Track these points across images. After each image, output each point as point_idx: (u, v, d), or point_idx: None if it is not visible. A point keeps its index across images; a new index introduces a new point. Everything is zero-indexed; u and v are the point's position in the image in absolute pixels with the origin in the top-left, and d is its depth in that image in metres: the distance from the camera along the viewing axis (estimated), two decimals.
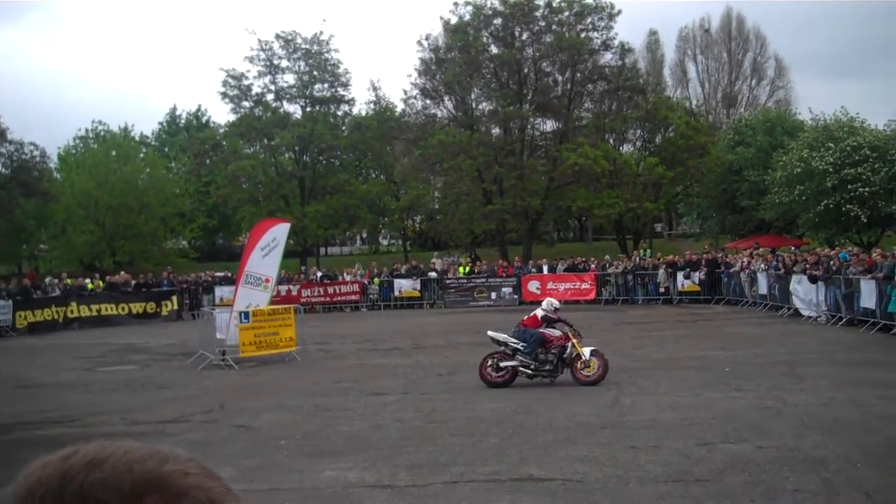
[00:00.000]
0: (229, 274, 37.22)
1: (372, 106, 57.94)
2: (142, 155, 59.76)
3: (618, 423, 11.46)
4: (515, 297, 36.32)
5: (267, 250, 20.75)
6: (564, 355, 15.08)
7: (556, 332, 15.45)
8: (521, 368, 14.96)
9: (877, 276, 22.29)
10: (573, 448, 10.10)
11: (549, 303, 16.69)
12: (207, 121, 75.79)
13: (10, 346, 27.51)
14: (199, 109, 79.41)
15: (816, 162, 38.17)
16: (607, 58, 49.59)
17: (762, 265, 30.69)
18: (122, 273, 38.51)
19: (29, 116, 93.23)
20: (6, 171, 51.78)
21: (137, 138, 66.20)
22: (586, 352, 15.07)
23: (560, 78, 50.21)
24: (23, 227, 55.17)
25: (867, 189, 37.27)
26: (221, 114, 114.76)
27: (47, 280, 35.12)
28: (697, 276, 33.66)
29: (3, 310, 30.79)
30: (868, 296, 22.73)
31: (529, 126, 50.26)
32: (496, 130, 50.95)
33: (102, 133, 60.93)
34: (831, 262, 25.69)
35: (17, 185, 50.40)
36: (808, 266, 26.63)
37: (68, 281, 34.94)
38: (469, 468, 9.37)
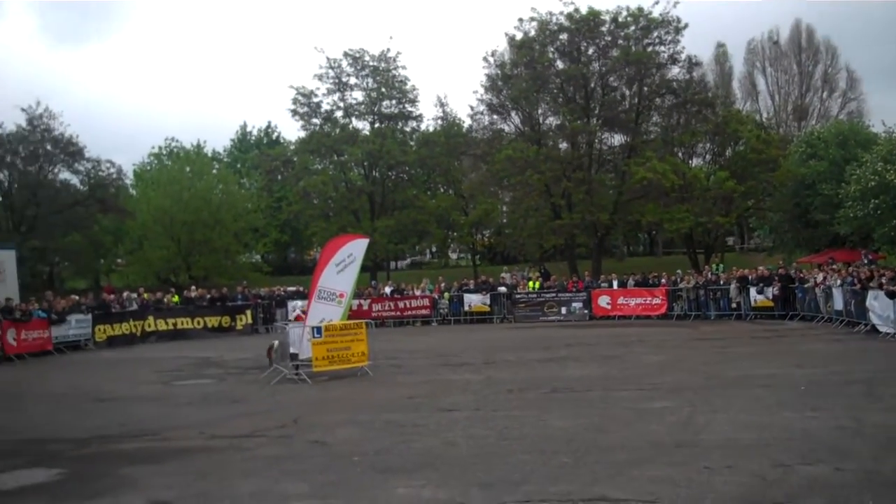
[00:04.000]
0: (301, 288, 37.63)
1: (439, 122, 58.39)
2: (214, 171, 60.88)
3: (692, 442, 11.33)
4: (586, 312, 36.12)
5: (342, 266, 20.90)
6: None
7: None
8: None
9: None
10: (647, 468, 10.00)
11: None
12: (277, 137, 76.99)
13: (89, 359, 28.18)
14: (269, 126, 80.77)
15: (891, 175, 37.39)
16: (675, 71, 49.37)
17: (837, 280, 30.09)
18: (196, 288, 39.28)
19: (105, 134, 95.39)
20: (84, 188, 53.39)
21: (210, 155, 67.44)
22: None
23: (627, 92, 50.06)
24: (100, 242, 56.73)
25: None
26: (291, 130, 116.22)
27: (125, 294, 35.90)
28: (770, 291, 33.11)
29: (83, 324, 31.52)
30: None
31: (597, 140, 50.11)
32: (564, 145, 50.91)
33: (176, 150, 62.25)
34: None
35: (94, 202, 51.96)
36: (884, 281, 26.05)
37: (146, 295, 35.75)
38: (541, 487, 9.33)
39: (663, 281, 36.78)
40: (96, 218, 53.68)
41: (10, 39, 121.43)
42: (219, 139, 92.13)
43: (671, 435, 11.84)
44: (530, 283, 39.66)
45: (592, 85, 49.39)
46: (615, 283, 37.48)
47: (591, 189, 46.67)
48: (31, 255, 49.72)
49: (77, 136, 52.49)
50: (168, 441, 13.04)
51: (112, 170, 54.36)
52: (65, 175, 54.45)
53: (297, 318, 24.32)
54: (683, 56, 48.62)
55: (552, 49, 49.44)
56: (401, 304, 37.82)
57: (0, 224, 52.43)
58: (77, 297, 34.43)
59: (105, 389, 19.75)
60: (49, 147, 51.78)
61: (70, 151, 52.25)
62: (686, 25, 47.38)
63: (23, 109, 51.36)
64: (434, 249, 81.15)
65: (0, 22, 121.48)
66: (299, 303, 26.65)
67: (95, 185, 53.04)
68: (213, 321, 35.00)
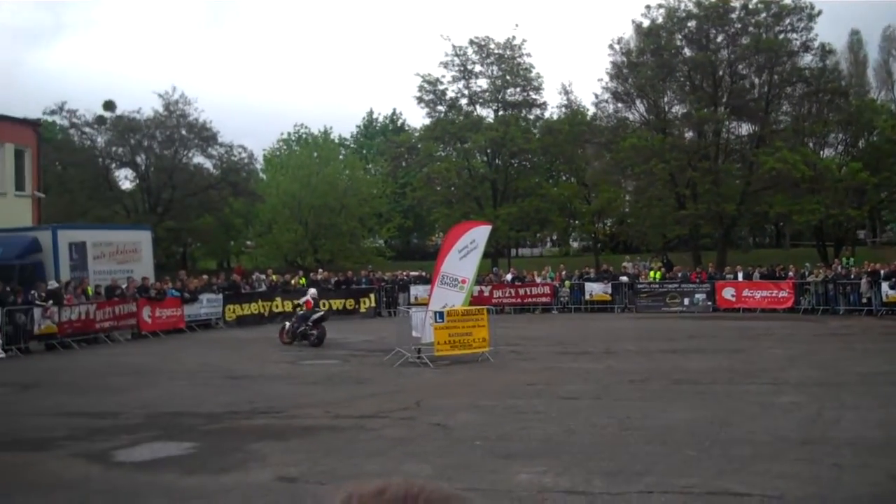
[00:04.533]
0: (424, 273, 38.03)
1: (563, 109, 57.98)
2: (341, 157, 61.92)
3: (820, 438, 11.11)
4: (709, 303, 35.42)
5: (465, 252, 21.05)
6: None
7: None
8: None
9: None
10: (772, 463, 9.86)
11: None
12: (402, 124, 77.69)
13: (219, 337, 29.10)
14: (394, 113, 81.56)
15: None
16: (807, 59, 47.91)
17: None
18: (322, 270, 40.10)
19: (237, 120, 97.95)
20: (217, 172, 55.03)
21: (336, 141, 68.59)
22: None
23: (756, 80, 48.91)
24: (231, 224, 58.54)
25: None
26: (416, 117, 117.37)
27: (255, 276, 36.92)
28: None
29: (215, 303, 32.56)
30: None
31: (724, 129, 49.08)
32: (689, 134, 50.07)
33: (304, 136, 63.56)
34: None
35: (226, 186, 53.58)
36: None
37: (274, 277, 36.69)
38: (664, 479, 9.31)
39: (791, 274, 35.85)
40: (228, 201, 55.34)
41: (150, 23, 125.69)
42: (345, 126, 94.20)
43: (798, 431, 11.64)
44: (651, 273, 39.19)
45: (720, 73, 48.41)
46: (740, 275, 36.67)
47: (718, 179, 45.81)
48: (166, 236, 51.57)
49: (211, 122, 54.22)
50: (295, 419, 13.49)
51: (244, 154, 56.04)
52: (199, 159, 56.37)
53: (307, 305, 25.15)
54: (816, 44, 47.28)
55: (680, 36, 48.67)
56: (521, 292, 37.83)
57: (137, 206, 54.58)
58: (207, 277, 35.61)
59: (235, 367, 20.44)
60: (184, 132, 53.54)
61: (204, 136, 53.92)
62: (819, 12, 46.05)
63: (160, 95, 53.29)
64: (555, 237, 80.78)
65: (138, 8, 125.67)
66: (313, 290, 27.86)
67: (228, 170, 54.67)
68: (337, 303, 35.63)
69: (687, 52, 48.88)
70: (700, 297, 35.75)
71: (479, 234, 21.75)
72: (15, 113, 39.87)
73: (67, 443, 11.96)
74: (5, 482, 9.99)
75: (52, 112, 52.08)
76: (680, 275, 38.29)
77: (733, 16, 46.94)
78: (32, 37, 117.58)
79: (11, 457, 11.27)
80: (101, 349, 25.76)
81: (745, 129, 51.10)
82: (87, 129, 53.90)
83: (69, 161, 53.38)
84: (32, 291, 25.79)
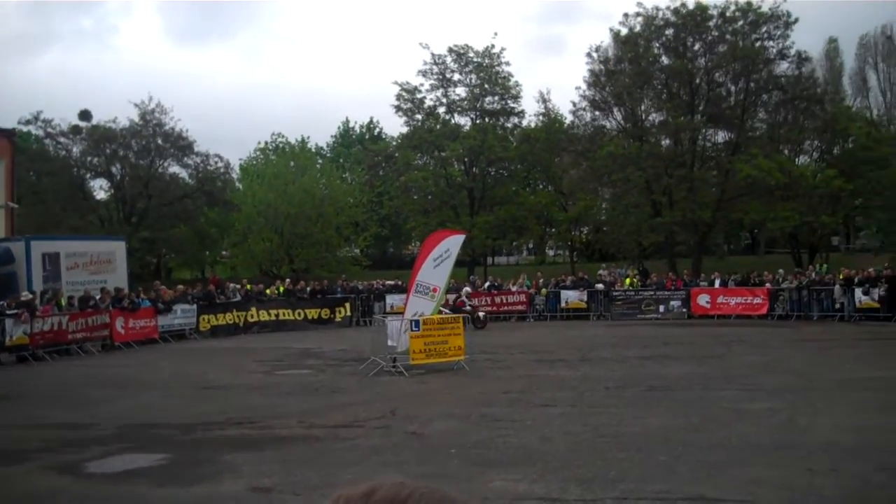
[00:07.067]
0: (400, 282, 37.99)
1: (541, 117, 58.09)
2: (318, 166, 61.80)
3: (793, 444, 11.14)
4: (684, 310, 35.60)
5: (439, 261, 20.99)
6: None
7: None
8: None
9: None
10: (746, 469, 9.88)
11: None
12: (379, 133, 77.71)
13: (193, 348, 28.90)
14: (371, 122, 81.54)
15: None
16: (783, 67, 48.11)
17: None
18: (289, 280, 39.93)
19: (213, 129, 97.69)
20: (192, 181, 54.93)
21: (313, 150, 68.46)
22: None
23: (733, 88, 49.16)
24: (206, 234, 58.32)
25: None
26: (392, 126, 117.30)
27: (230, 286, 36.69)
28: (877, 292, 32.16)
29: (189, 313, 32.29)
30: None
31: (700, 137, 49.31)
32: (666, 142, 50.19)
33: (281, 145, 63.44)
34: None
35: (202, 195, 53.53)
36: None
37: (249, 287, 36.49)
38: (638, 485, 9.31)
39: (765, 281, 35.99)
40: (203, 211, 55.18)
41: (133, 38, 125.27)
42: (322, 135, 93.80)
43: (772, 436, 11.68)
44: (626, 281, 39.32)
45: (697, 81, 48.58)
46: (716, 282, 36.84)
47: (693, 186, 45.97)
48: (141, 246, 51.39)
49: (187, 131, 54.14)
50: (269, 429, 13.38)
51: (220, 164, 56.08)
52: (174, 169, 56.41)
53: (459, 304, 26.14)
54: (793, 51, 47.40)
55: (657, 44, 48.91)
56: (497, 300, 37.80)
57: (112, 216, 54.36)
58: (183, 288, 35.38)
59: (208, 378, 20.31)
60: (160, 141, 53.46)
61: (180, 146, 53.91)
62: (796, 20, 46.21)
63: (135, 105, 53.12)
64: (531, 246, 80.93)
65: (126, 21, 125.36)
66: (467, 288, 28.75)
67: (203, 179, 54.66)
68: (313, 313, 35.57)
69: (664, 60, 49.11)
70: (675, 304, 35.90)
71: (453, 243, 21.68)
72: None
73: (38, 455, 11.81)
74: None
75: (28, 122, 52.00)
76: (655, 282, 38.40)
77: (710, 24, 47.13)
78: (8, 46, 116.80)
79: None
80: (73, 361, 25.50)
81: (721, 136, 51.36)
82: (62, 139, 53.81)
83: (44, 171, 53.17)
84: (2, 302, 25.56)
